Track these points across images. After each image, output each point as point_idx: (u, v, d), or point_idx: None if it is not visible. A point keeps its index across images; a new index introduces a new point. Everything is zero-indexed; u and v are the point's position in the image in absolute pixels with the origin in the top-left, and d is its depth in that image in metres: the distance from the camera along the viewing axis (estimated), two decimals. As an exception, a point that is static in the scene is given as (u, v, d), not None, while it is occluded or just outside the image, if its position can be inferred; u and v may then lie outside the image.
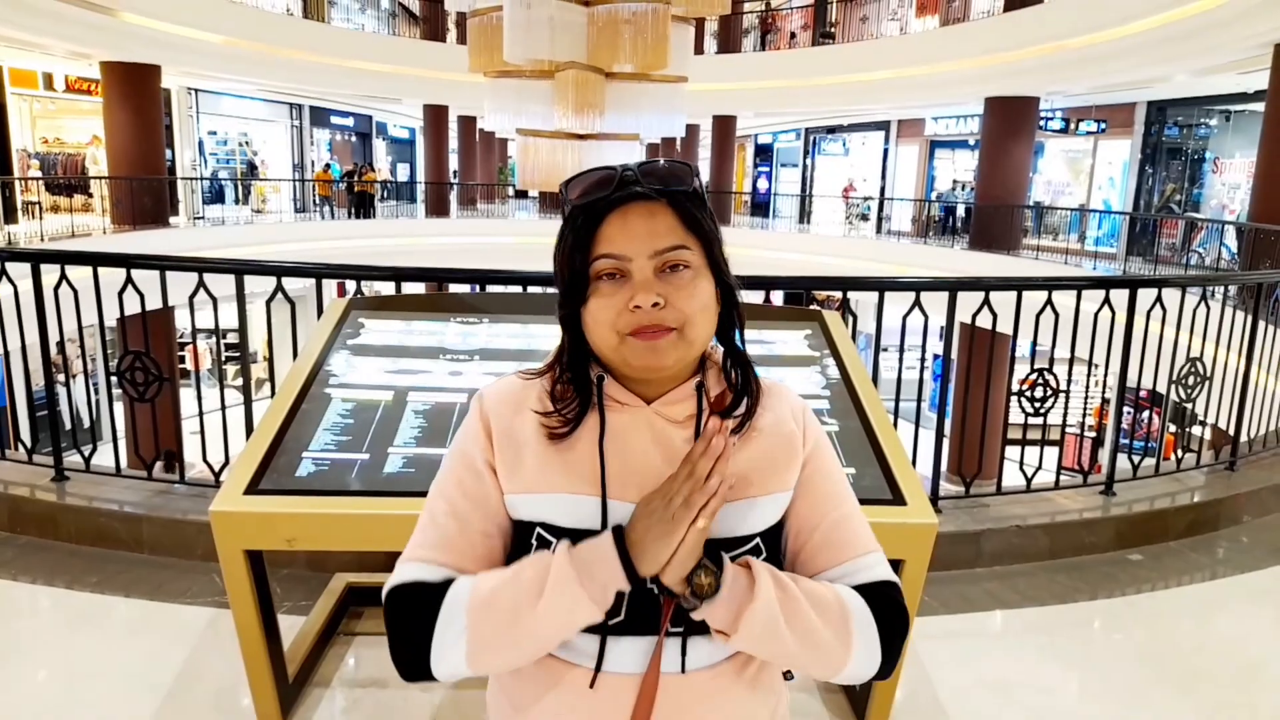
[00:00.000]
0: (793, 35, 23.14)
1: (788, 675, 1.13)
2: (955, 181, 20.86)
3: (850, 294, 3.41)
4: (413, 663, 0.95)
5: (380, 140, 27.16)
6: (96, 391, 8.09)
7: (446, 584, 0.97)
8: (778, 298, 14.68)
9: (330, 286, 3.38)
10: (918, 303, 3.26)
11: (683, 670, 1.00)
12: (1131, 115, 16.64)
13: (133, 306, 3.18)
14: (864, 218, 21.42)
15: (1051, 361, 3.61)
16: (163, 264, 3.22)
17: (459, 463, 1.06)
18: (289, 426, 2.10)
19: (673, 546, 0.90)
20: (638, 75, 5.16)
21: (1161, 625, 2.97)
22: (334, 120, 24.49)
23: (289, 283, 3.17)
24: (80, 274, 3.22)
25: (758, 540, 1.02)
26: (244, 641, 2.00)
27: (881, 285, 3.37)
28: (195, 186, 18.31)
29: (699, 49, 19.44)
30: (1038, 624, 2.92)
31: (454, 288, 4.03)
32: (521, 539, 1.02)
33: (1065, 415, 13.62)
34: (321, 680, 2.39)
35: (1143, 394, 12.68)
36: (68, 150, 17.40)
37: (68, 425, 5.88)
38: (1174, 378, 3.79)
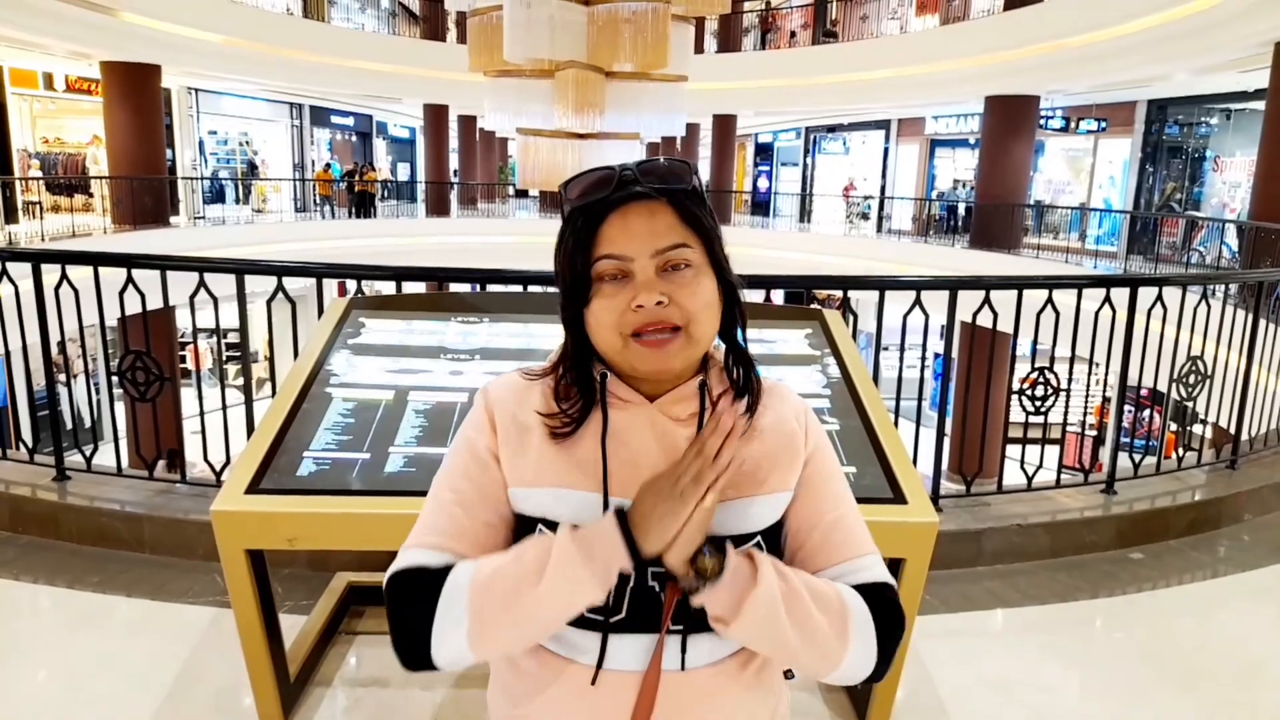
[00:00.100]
0: (793, 34, 23.14)
1: (788, 675, 1.13)
2: (956, 180, 20.85)
3: (851, 293, 3.41)
4: (414, 650, 0.95)
5: (380, 140, 27.16)
6: (97, 391, 8.10)
7: (448, 569, 0.96)
8: (778, 297, 14.68)
9: (331, 286, 3.39)
10: (918, 302, 3.26)
11: (683, 668, 1.00)
12: (1132, 114, 16.63)
13: (133, 306, 3.18)
14: (864, 217, 21.41)
15: (1052, 360, 3.61)
16: (163, 264, 3.22)
17: (464, 452, 1.06)
18: (290, 426, 2.10)
19: (679, 524, 0.90)
20: (638, 74, 5.17)
21: (1162, 624, 2.97)
22: (334, 120, 24.49)
23: (290, 282, 3.17)
24: (81, 274, 3.22)
25: (758, 539, 1.03)
26: (245, 641, 2.00)
27: (882, 284, 3.37)
28: (196, 186, 18.31)
29: (699, 48, 19.43)
30: (1039, 623, 2.92)
31: (454, 287, 4.03)
32: (524, 533, 1.02)
33: (1066, 414, 13.61)
34: (323, 679, 2.39)
35: (1144, 393, 12.68)
36: (68, 150, 17.40)
37: (69, 425, 5.88)
38: (1175, 376, 3.79)
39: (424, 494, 1.07)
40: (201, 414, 3.39)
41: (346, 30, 20.03)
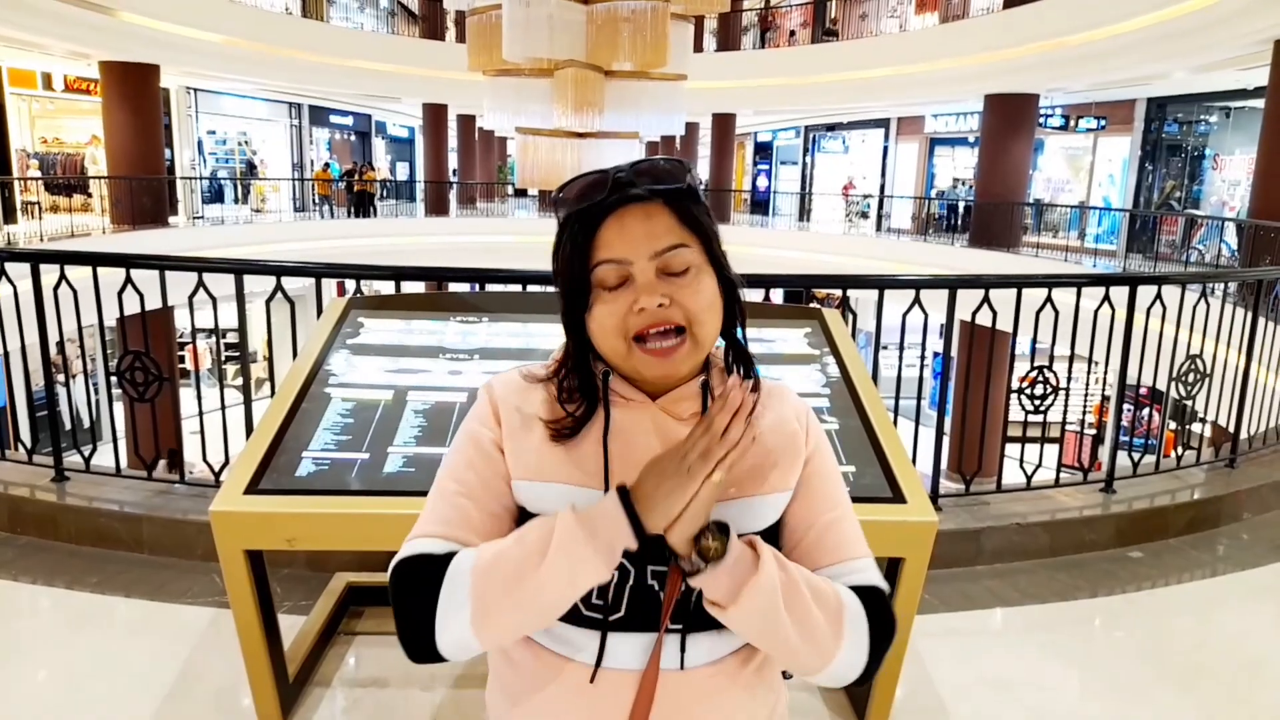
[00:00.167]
0: (792, 33, 23.15)
1: (786, 675, 1.13)
2: (955, 179, 20.85)
3: (850, 292, 3.41)
4: (419, 638, 0.94)
5: (379, 139, 27.16)
6: (96, 392, 8.09)
7: (452, 557, 0.96)
8: (777, 296, 14.68)
9: (330, 286, 3.38)
10: (917, 300, 3.25)
11: (682, 667, 1.00)
12: (1131, 112, 16.63)
13: (132, 306, 3.18)
14: (864, 215, 21.42)
15: (1051, 359, 3.61)
16: (162, 264, 3.22)
17: (468, 444, 1.06)
18: (289, 426, 2.10)
19: (685, 500, 0.89)
20: (637, 73, 5.16)
21: (1162, 622, 2.97)
22: (333, 119, 24.48)
23: (288, 282, 3.16)
24: (80, 274, 3.22)
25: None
26: (244, 641, 2.00)
27: (881, 283, 3.36)
28: (194, 186, 18.32)
29: (698, 47, 19.44)
30: (1038, 621, 2.92)
31: (453, 287, 4.02)
32: None
33: (1065, 413, 13.61)
34: (322, 680, 2.39)
35: (1143, 391, 12.68)
36: (67, 150, 17.40)
37: (68, 425, 5.88)
38: (1174, 375, 3.79)
39: (423, 494, 1.06)
40: (200, 414, 3.39)
41: (345, 30, 20.02)
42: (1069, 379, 3.78)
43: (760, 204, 26.07)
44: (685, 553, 0.92)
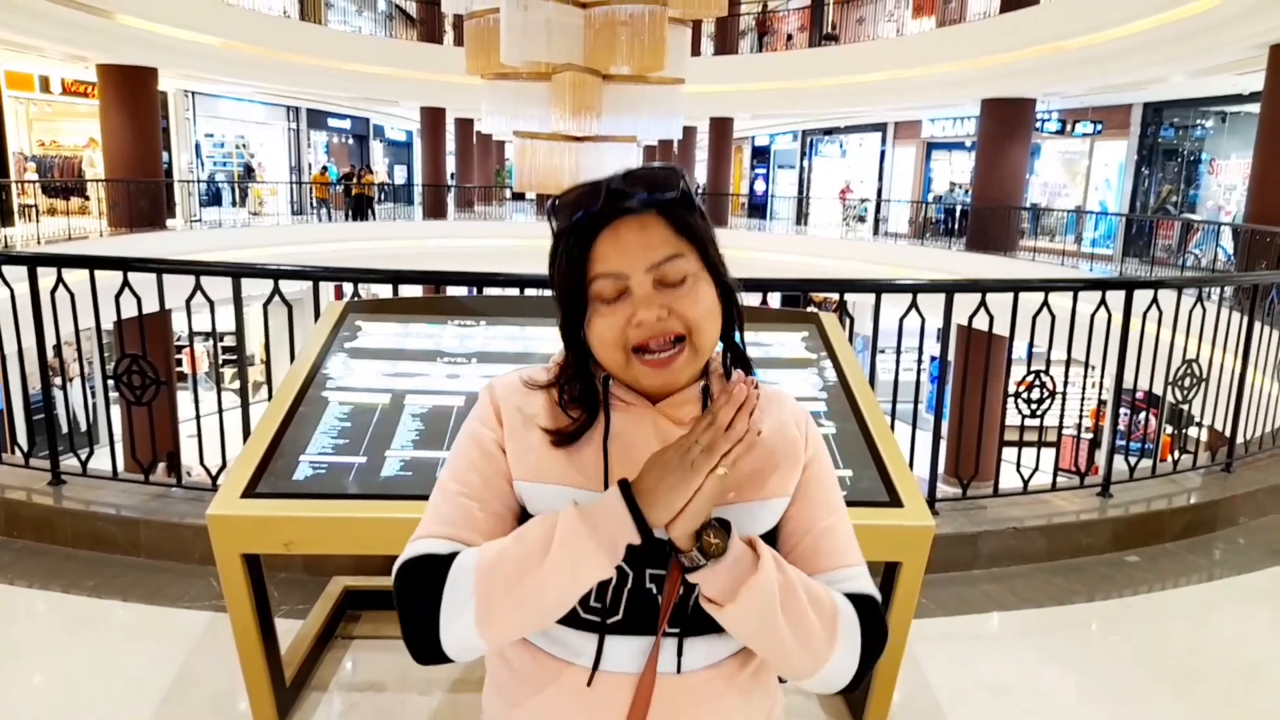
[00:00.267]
0: (789, 37, 23.19)
1: (782, 680, 1.13)
2: (952, 183, 20.89)
3: (847, 296, 3.41)
4: (423, 637, 0.94)
5: (377, 143, 27.15)
6: (93, 395, 8.08)
7: (455, 556, 0.96)
8: (775, 300, 14.69)
9: (327, 289, 3.38)
10: (914, 304, 3.26)
11: (679, 671, 1.00)
12: (1128, 116, 16.68)
13: (129, 310, 3.17)
14: (861, 219, 21.45)
15: (1048, 363, 3.61)
16: (159, 267, 3.22)
17: (470, 444, 1.06)
18: (286, 430, 2.10)
19: (688, 495, 0.89)
20: (635, 77, 5.17)
21: (1158, 627, 2.98)
22: (331, 123, 24.48)
23: (286, 285, 3.16)
24: (77, 277, 3.22)
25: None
26: (241, 645, 2.00)
27: (878, 287, 3.37)
28: (192, 189, 18.31)
29: (696, 51, 19.47)
30: (1035, 626, 2.92)
31: (451, 290, 4.02)
32: None
33: (1062, 417, 13.58)
34: (319, 684, 2.39)
35: (1139, 395, 12.71)
36: (64, 153, 17.38)
37: (64, 429, 5.87)
38: (1170, 379, 3.80)
39: (421, 498, 1.07)
40: (198, 418, 3.39)
41: (343, 33, 20.05)
42: (1066, 383, 3.79)
43: (758, 208, 26.09)
44: (686, 548, 0.92)
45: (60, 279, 3.18)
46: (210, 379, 16.05)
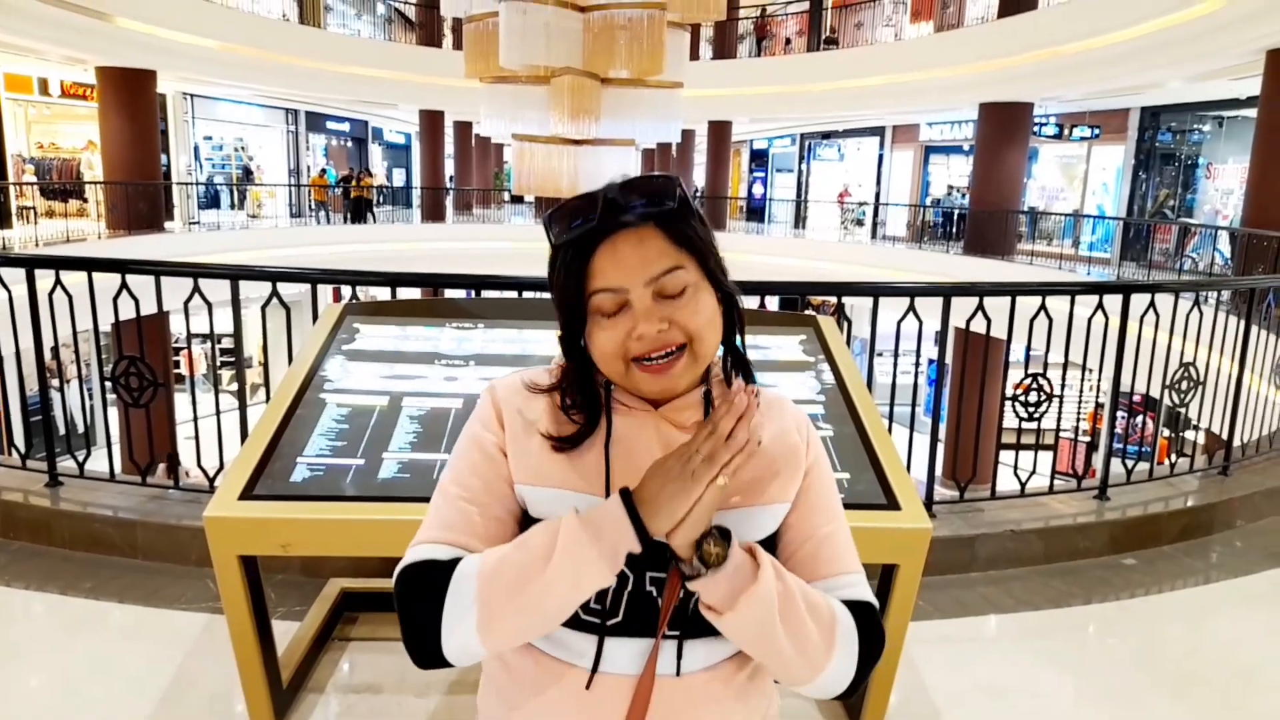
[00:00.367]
0: (788, 41, 23.22)
1: (777, 682, 1.14)
2: (950, 187, 20.92)
3: (845, 299, 3.42)
4: (424, 643, 0.94)
5: (376, 145, 27.16)
6: (91, 397, 8.07)
7: (457, 563, 0.96)
8: (773, 303, 14.67)
9: (325, 291, 3.38)
10: (912, 308, 3.26)
11: (678, 673, 1.01)
12: (1125, 121, 16.71)
13: (127, 312, 3.17)
14: (859, 223, 21.47)
15: (1045, 366, 3.62)
16: (158, 269, 3.22)
17: (471, 447, 1.06)
18: (284, 432, 2.10)
19: (688, 504, 0.89)
20: (633, 81, 5.17)
21: (1155, 629, 2.98)
22: (330, 125, 24.49)
23: (284, 288, 3.16)
24: (75, 279, 3.22)
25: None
26: (238, 647, 2.00)
27: (876, 291, 3.37)
28: (191, 192, 18.30)
29: (694, 55, 19.48)
30: (1032, 628, 2.93)
31: (449, 293, 4.02)
32: None
33: (1059, 420, 13.58)
34: (316, 686, 2.39)
35: (1136, 399, 12.71)
36: (63, 155, 17.38)
37: (62, 430, 5.86)
38: (1167, 382, 3.80)
39: (419, 500, 1.07)
40: (195, 420, 3.39)
41: (342, 36, 20.05)
42: (1063, 386, 3.79)
43: (756, 211, 26.12)
44: (687, 556, 0.92)
45: (58, 281, 3.18)
46: (208, 381, 16.03)
